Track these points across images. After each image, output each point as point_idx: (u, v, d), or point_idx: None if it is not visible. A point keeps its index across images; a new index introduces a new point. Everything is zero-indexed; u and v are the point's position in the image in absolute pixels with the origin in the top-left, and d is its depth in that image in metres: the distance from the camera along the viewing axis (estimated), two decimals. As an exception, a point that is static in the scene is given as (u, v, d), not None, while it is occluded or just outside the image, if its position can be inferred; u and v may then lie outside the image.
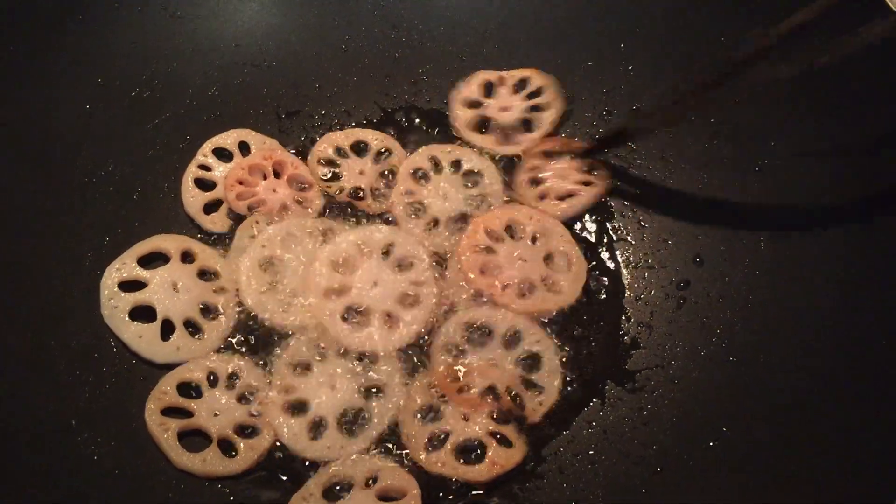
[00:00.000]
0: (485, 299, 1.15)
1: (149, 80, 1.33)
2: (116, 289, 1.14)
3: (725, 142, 1.28)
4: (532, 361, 1.12)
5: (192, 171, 1.26)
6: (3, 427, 1.04)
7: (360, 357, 1.10)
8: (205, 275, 1.17)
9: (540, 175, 1.27)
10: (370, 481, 1.03)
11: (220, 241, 1.22)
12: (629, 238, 1.24)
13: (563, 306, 1.16)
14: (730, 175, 1.26)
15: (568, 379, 1.12)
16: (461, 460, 1.05)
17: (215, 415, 1.06)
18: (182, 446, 1.04)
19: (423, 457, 1.04)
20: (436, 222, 1.23)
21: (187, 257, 1.18)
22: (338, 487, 1.03)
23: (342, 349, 1.11)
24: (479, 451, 1.05)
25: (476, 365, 1.10)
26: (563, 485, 1.05)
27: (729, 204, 1.24)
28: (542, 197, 1.25)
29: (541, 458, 1.07)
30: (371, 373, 1.10)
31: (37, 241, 1.18)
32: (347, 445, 1.05)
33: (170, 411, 1.07)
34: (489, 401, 1.07)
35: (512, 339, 1.13)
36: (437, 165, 1.28)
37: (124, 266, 1.16)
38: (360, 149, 1.31)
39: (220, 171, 1.26)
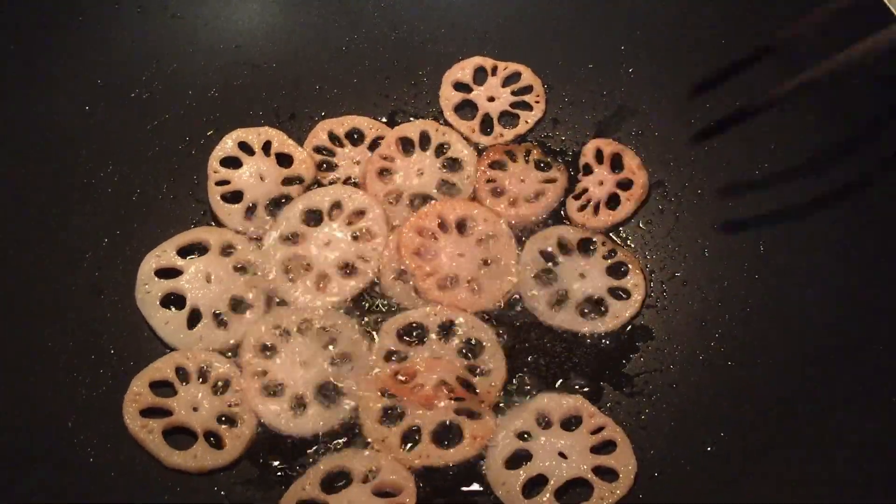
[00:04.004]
0: (407, 278, 1.17)
1: (149, 81, 1.33)
2: (153, 274, 1.16)
3: (725, 144, 1.27)
4: (472, 348, 1.13)
5: (224, 150, 1.27)
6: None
7: (322, 330, 1.13)
8: (241, 269, 1.18)
9: (497, 183, 1.26)
10: (369, 476, 1.03)
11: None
12: (629, 241, 1.24)
13: (478, 310, 1.16)
14: (730, 179, 1.26)
15: (566, 383, 1.12)
16: (442, 447, 1.06)
17: (195, 409, 1.07)
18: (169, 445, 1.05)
19: (403, 456, 1.05)
20: (399, 196, 1.25)
21: (227, 250, 1.19)
22: (337, 479, 1.04)
23: (303, 325, 1.13)
24: (452, 434, 1.07)
25: (420, 363, 1.10)
26: (560, 489, 1.05)
27: (729, 207, 1.24)
28: (513, 203, 1.24)
29: (538, 461, 1.06)
30: (335, 344, 1.12)
31: (35, 241, 1.18)
32: (332, 416, 1.07)
33: (149, 412, 1.07)
34: (443, 392, 1.08)
35: (446, 332, 1.14)
36: (424, 142, 1.30)
37: (164, 254, 1.18)
38: (354, 137, 1.32)
39: (249, 167, 1.26)
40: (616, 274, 1.19)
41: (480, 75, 1.38)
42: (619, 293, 1.18)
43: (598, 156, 1.28)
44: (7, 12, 1.30)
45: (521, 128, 1.33)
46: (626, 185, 1.25)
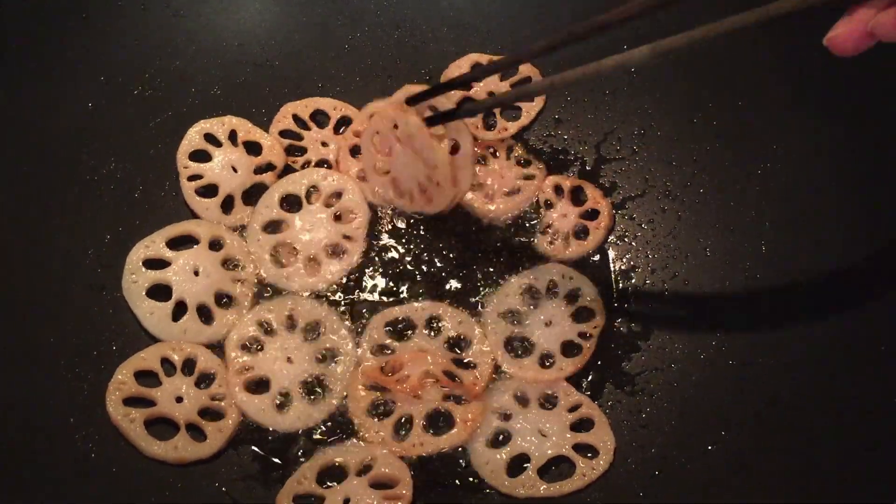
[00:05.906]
0: None
1: (151, 79, 1.33)
2: (140, 265, 1.17)
3: (728, 144, 1.28)
4: (458, 342, 1.14)
5: (192, 143, 1.27)
6: (1, 424, 1.04)
7: (308, 326, 1.14)
8: (228, 264, 1.19)
9: (478, 177, 1.26)
10: (364, 469, 1.04)
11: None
12: (630, 240, 1.24)
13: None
14: (731, 177, 1.26)
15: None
16: (434, 434, 1.07)
17: (178, 401, 1.08)
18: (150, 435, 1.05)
19: (398, 447, 1.06)
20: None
21: (216, 245, 1.20)
22: (332, 473, 1.04)
23: (289, 321, 1.14)
24: (444, 421, 1.08)
25: (406, 355, 1.11)
26: (560, 487, 1.05)
27: (730, 206, 1.24)
28: (490, 197, 1.25)
29: (539, 459, 1.07)
30: (322, 339, 1.13)
31: (37, 239, 1.18)
32: (315, 413, 1.08)
33: (132, 402, 1.07)
34: (429, 381, 1.09)
35: (433, 326, 1.15)
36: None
37: (153, 244, 1.18)
38: (320, 119, 1.32)
39: (219, 159, 1.26)
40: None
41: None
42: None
43: (558, 190, 1.27)
44: (9, 9, 1.30)
45: (524, 119, 1.33)
46: (590, 215, 1.24)
